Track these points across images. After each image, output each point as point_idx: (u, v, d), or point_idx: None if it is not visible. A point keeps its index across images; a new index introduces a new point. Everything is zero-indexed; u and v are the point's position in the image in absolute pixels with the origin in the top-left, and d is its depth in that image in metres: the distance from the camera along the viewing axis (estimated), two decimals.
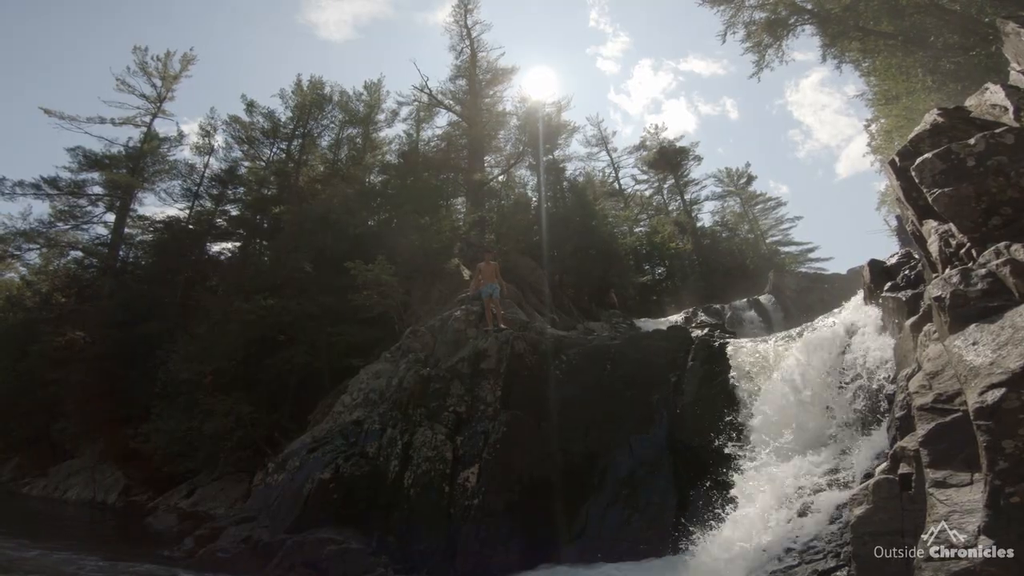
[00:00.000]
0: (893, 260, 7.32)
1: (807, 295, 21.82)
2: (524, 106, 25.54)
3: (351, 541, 7.98)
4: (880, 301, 6.81)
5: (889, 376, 6.29)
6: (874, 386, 6.50)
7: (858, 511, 3.41)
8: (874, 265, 7.35)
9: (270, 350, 15.06)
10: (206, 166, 25.34)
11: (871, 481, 3.53)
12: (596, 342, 10.98)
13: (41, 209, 23.80)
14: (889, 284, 6.70)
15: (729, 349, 9.41)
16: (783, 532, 5.45)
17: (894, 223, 18.51)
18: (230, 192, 24.74)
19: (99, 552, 9.23)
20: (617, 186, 34.08)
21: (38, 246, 23.37)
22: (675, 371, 9.40)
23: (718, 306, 18.72)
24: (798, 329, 9.17)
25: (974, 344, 2.88)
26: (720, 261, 26.67)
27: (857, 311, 7.67)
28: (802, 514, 5.62)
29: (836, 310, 8.24)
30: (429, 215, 17.72)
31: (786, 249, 34.73)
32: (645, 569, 7.11)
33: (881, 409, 6.35)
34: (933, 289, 3.58)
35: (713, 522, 6.56)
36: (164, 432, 14.61)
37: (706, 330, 10.75)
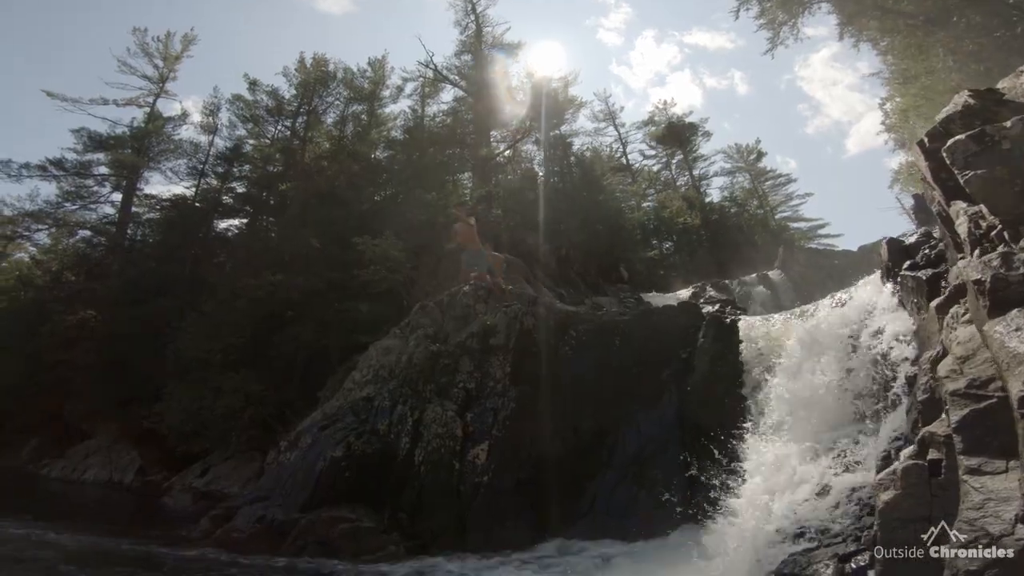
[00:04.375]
0: (912, 239, 7.16)
1: (817, 271, 21.64)
2: (530, 81, 25.16)
3: (363, 519, 8.07)
4: (899, 280, 6.64)
5: (907, 357, 6.18)
6: (891, 367, 6.40)
7: (885, 496, 3.36)
8: (892, 244, 7.21)
9: (278, 327, 15.09)
10: (211, 144, 25.20)
11: (899, 466, 3.47)
12: (605, 318, 10.88)
13: (48, 190, 23.93)
14: (908, 263, 6.55)
15: (741, 326, 9.28)
16: (796, 513, 5.41)
17: (909, 202, 18.30)
18: (236, 170, 24.58)
19: (118, 534, 9.42)
20: (625, 161, 33.62)
21: (46, 226, 23.37)
22: (685, 348, 9.28)
23: (727, 281, 18.55)
24: (810, 306, 9.03)
25: (1017, 330, 2.77)
26: (729, 236, 26.42)
27: (873, 289, 7.51)
28: (816, 496, 5.58)
29: (850, 288, 8.08)
30: (435, 190, 17.63)
31: (796, 225, 34.38)
32: (654, 547, 7.11)
33: (897, 391, 6.26)
34: (971, 272, 3.45)
35: (722, 502, 6.55)
36: (176, 411, 14.72)
37: (717, 306, 10.55)
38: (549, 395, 9.36)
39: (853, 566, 3.96)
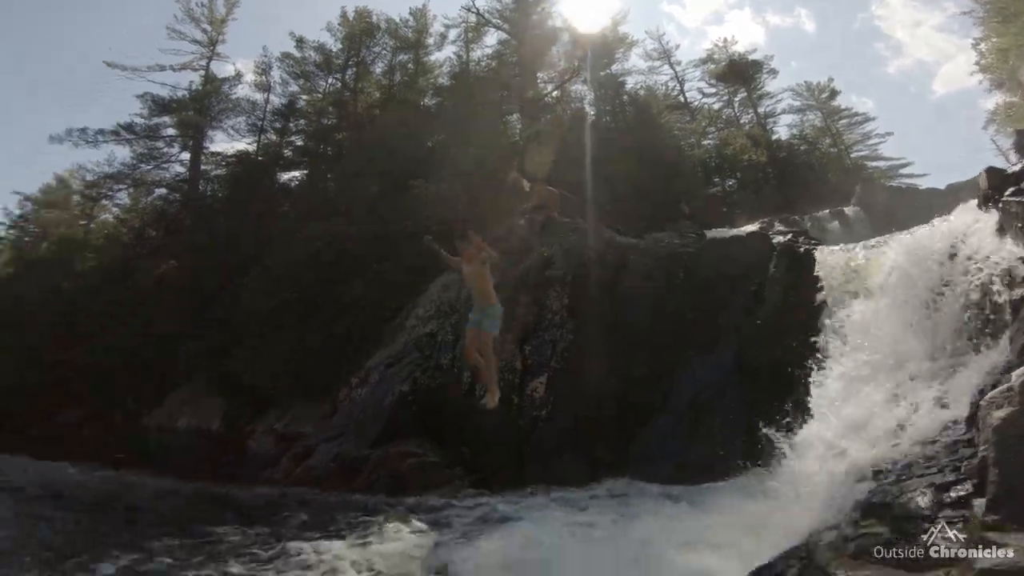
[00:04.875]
0: (1016, 167, 6.73)
1: (898, 210, 19.87)
2: (576, 21, 23.94)
3: (429, 454, 8.34)
4: (1001, 206, 6.08)
5: (1011, 282, 5.64)
6: (990, 294, 5.86)
7: (999, 414, 3.10)
8: (993, 172, 6.82)
9: (341, 272, 15.49)
10: (267, 102, 26.04)
11: (1017, 381, 3.17)
12: (667, 249, 10.37)
13: (122, 154, 25.32)
14: (1013, 189, 6.15)
15: (817, 255, 8.68)
16: (875, 450, 5.13)
17: (1006, 142, 17.02)
18: (292, 125, 25.40)
19: (204, 478, 10.15)
20: (683, 100, 31.62)
21: (125, 186, 25.17)
22: (754, 279, 8.76)
23: (797, 217, 17.36)
24: (898, 235, 8.29)
25: None
26: (798, 174, 24.61)
27: (970, 216, 6.85)
28: (899, 433, 5.25)
29: (946, 216, 7.33)
30: (485, 132, 17.51)
31: (874, 164, 31.56)
32: (714, 490, 6.85)
33: (997, 317, 5.75)
34: None
35: (789, 443, 6.30)
36: (252, 359, 15.62)
37: (789, 236, 9.81)
38: (606, 331, 9.12)
39: (952, 495, 3.68)
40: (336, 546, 5.89)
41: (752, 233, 10.99)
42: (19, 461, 11.95)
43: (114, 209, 26.77)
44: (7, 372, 21.58)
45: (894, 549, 3.26)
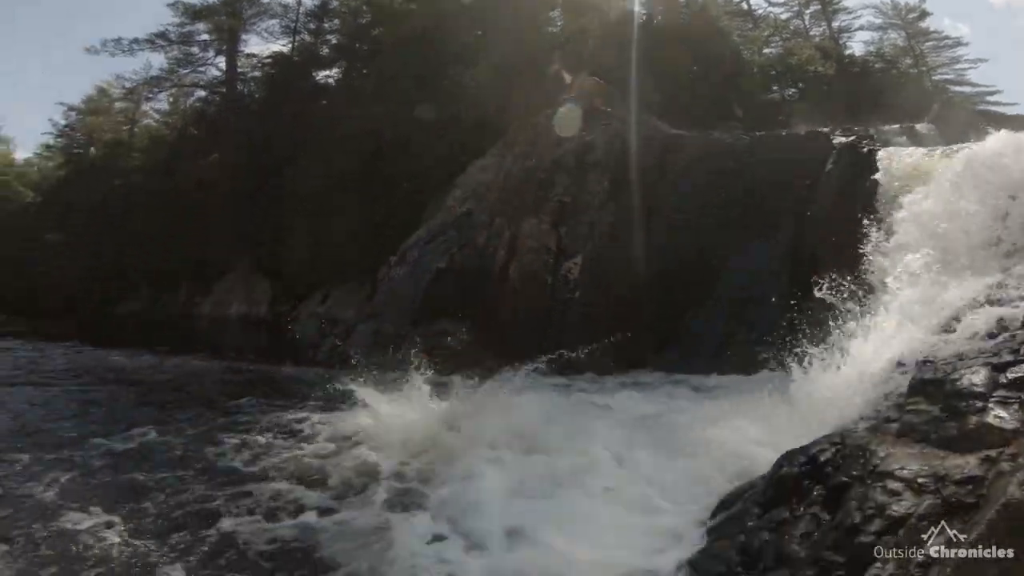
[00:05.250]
0: None
1: (979, 134, 18.00)
2: None
3: (463, 333, 8.46)
4: None
5: None
6: None
7: None
8: None
9: (380, 161, 15.74)
10: (299, 3, 25.08)
11: None
12: (716, 142, 9.92)
13: (158, 61, 25.41)
14: None
15: (881, 155, 7.99)
16: (926, 344, 4.84)
17: None
18: (327, 25, 24.56)
19: (249, 359, 10.76)
20: (746, 6, 28.83)
21: (165, 89, 25.42)
22: (809, 176, 8.28)
23: (860, 128, 15.96)
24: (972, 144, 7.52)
25: None
26: (868, 89, 22.39)
27: None
28: (952, 327, 4.93)
29: None
30: (525, 26, 16.64)
31: (958, 89, 28.41)
32: (751, 382, 6.60)
33: None
34: None
35: (836, 337, 6.07)
36: (296, 245, 16.46)
37: (852, 136, 9.08)
38: (648, 218, 8.92)
39: (1010, 376, 3.40)
40: (358, 413, 6.10)
41: (811, 132, 10.27)
42: (75, 348, 12.91)
43: (154, 114, 27.26)
44: (67, 269, 23.18)
45: (942, 427, 3.01)
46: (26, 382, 8.74)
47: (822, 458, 2.89)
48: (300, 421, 6.15)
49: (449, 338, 8.60)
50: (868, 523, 2.03)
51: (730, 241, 8.38)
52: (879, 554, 1.86)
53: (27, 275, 24.00)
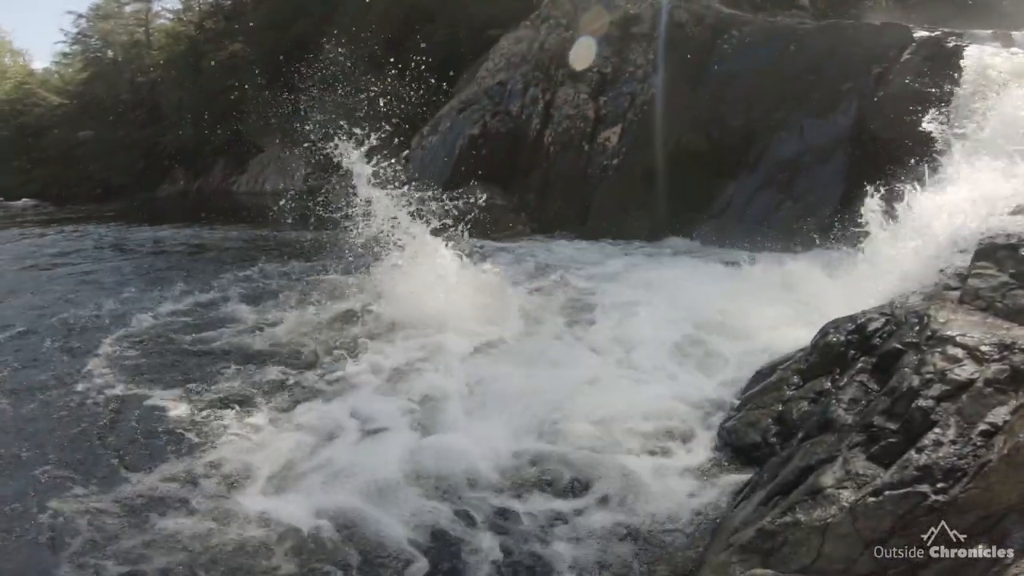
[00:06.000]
0: None
1: None
2: None
3: (496, 198, 8.45)
4: None
5: None
6: None
7: None
8: None
9: (412, 30, 15.34)
10: None
11: None
12: (778, 23, 9.05)
13: None
14: None
15: (969, 52, 7.21)
16: (992, 221, 4.34)
17: None
18: None
19: (298, 228, 10.48)
20: None
21: None
22: (883, 63, 7.51)
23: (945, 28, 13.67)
24: None
25: None
26: None
27: None
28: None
29: None
30: None
31: None
32: (791, 258, 6.27)
33: None
34: None
35: (891, 216, 5.59)
36: (328, 115, 15.98)
37: (938, 32, 8.00)
38: (695, 86, 8.35)
39: None
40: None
41: (888, 22, 9.10)
42: (123, 228, 13.46)
43: (167, 13, 26.74)
44: (104, 160, 24.44)
45: (1010, 295, 2.67)
46: (80, 258, 9.21)
47: (871, 327, 2.68)
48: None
49: (480, 202, 8.64)
50: (926, 388, 1.89)
51: (783, 116, 7.87)
52: (938, 418, 1.76)
53: (70, 170, 25.63)
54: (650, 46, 8.77)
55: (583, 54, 9.38)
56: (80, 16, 27.79)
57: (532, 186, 8.64)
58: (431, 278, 4.79)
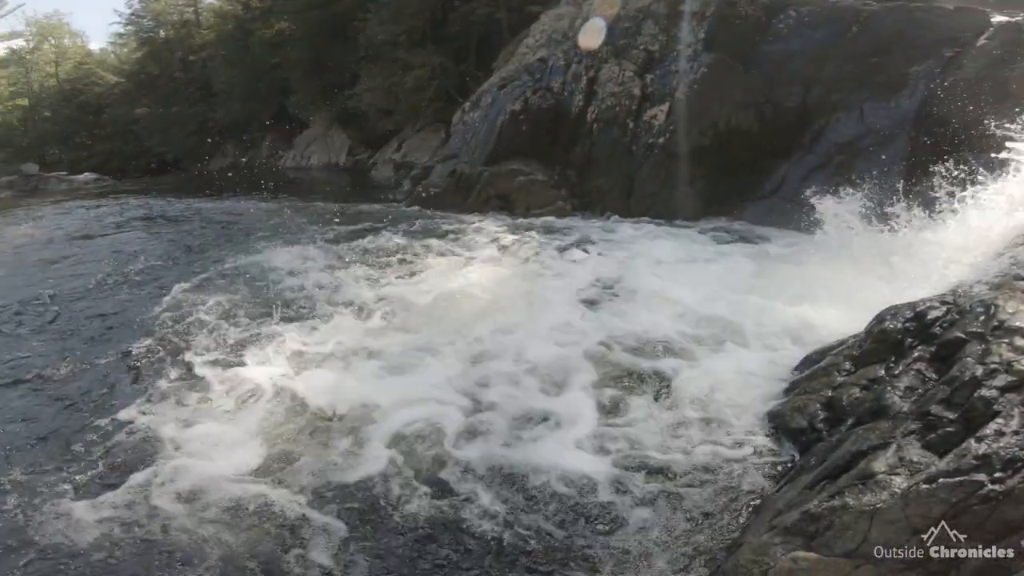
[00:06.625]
0: None
1: None
2: None
3: (536, 173, 8.52)
4: None
5: None
6: None
7: None
8: None
9: (452, 7, 15.49)
10: None
11: None
12: (839, 4, 8.52)
13: None
14: None
15: None
16: None
17: None
18: None
19: (329, 200, 11.23)
20: None
21: None
22: (955, 47, 7.11)
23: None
24: None
25: None
26: None
27: None
28: None
29: None
30: None
31: None
32: (851, 239, 6.25)
33: None
34: None
35: (954, 204, 5.30)
36: (372, 91, 16.54)
37: (1019, 17, 7.39)
38: (747, 68, 8.07)
39: None
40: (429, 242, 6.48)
41: (961, 7, 8.44)
42: (177, 199, 13.72)
43: None
44: (160, 135, 25.46)
45: None
46: (144, 225, 9.60)
47: (931, 315, 2.61)
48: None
49: (522, 177, 8.64)
50: (990, 378, 1.83)
51: (842, 98, 7.58)
52: (1001, 408, 1.72)
53: (127, 145, 26.96)
54: (700, 23, 8.48)
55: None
56: None
57: (574, 162, 8.56)
58: None
